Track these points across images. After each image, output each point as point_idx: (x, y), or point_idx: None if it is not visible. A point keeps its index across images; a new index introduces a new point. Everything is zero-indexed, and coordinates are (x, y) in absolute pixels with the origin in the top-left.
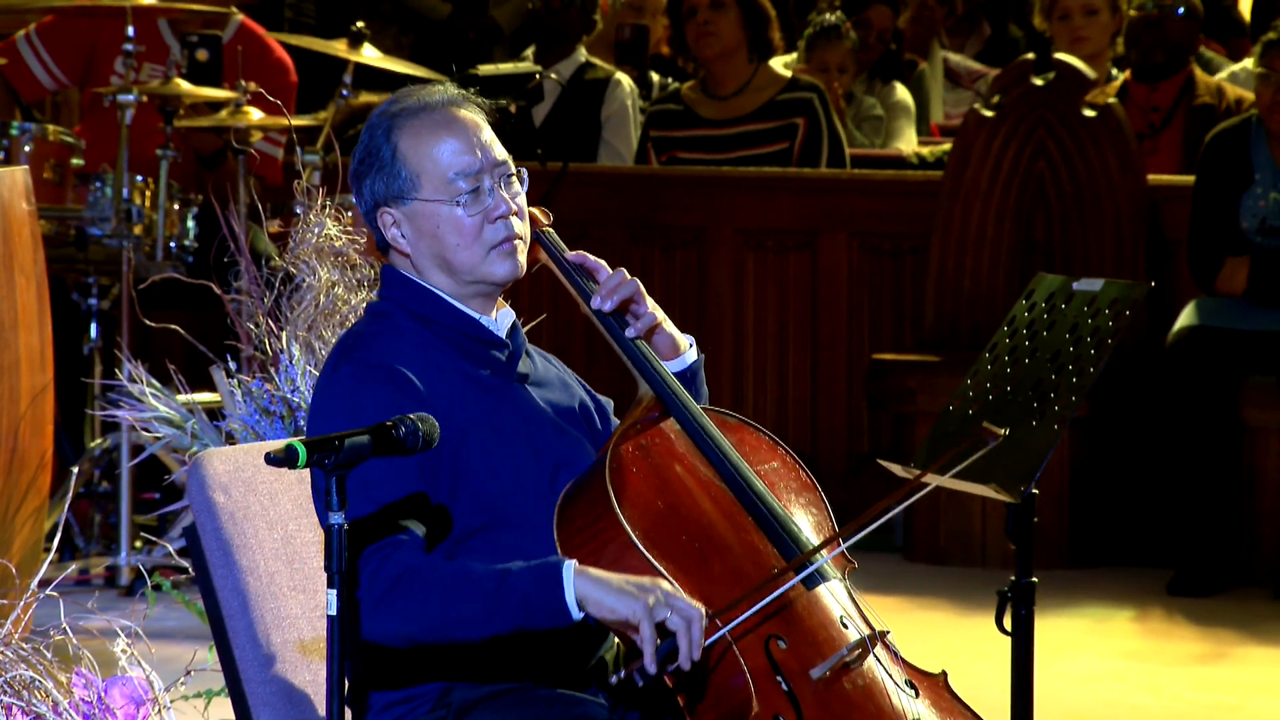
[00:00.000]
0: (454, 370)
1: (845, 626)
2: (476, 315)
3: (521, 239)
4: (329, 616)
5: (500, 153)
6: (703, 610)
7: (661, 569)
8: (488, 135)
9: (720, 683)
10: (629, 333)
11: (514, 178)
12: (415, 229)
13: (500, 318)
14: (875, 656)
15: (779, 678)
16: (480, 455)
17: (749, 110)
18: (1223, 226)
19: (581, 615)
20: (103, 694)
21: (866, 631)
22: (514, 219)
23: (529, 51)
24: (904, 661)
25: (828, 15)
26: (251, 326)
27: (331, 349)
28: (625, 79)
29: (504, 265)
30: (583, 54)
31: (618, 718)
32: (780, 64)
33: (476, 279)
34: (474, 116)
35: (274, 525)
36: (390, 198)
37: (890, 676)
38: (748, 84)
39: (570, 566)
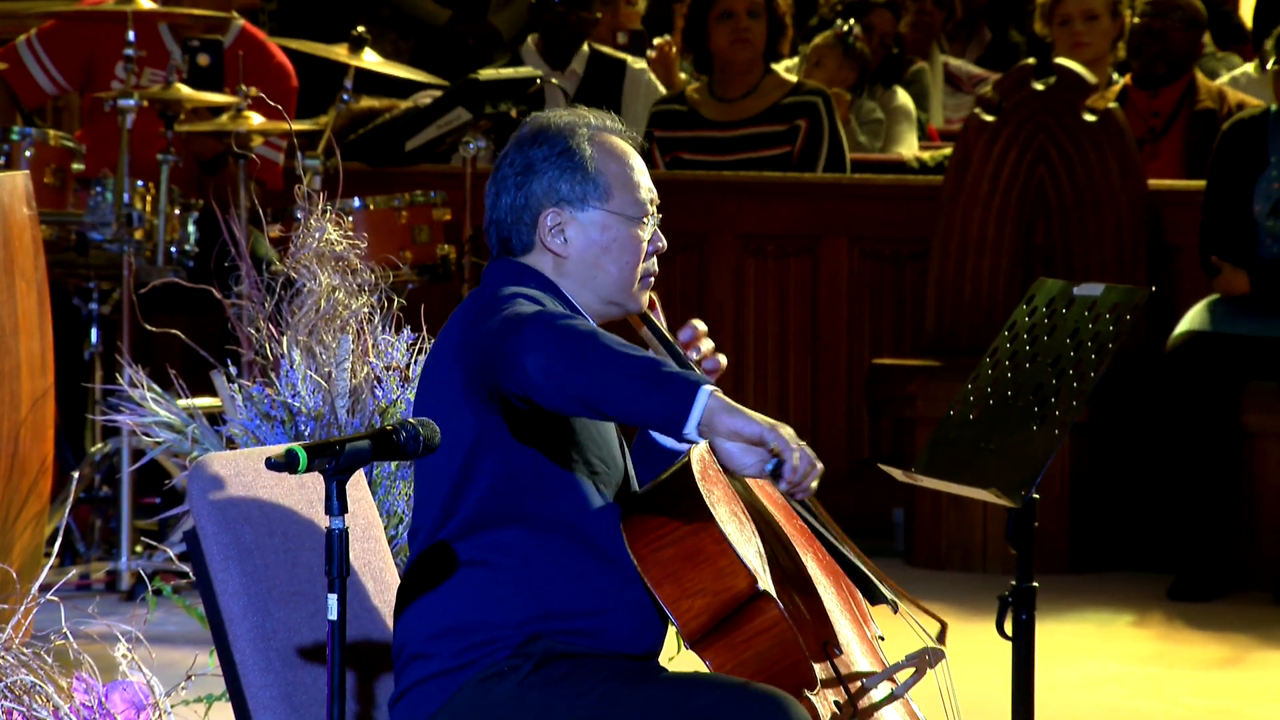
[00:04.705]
0: None
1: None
2: None
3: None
4: (329, 621)
5: None
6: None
7: (748, 564)
8: None
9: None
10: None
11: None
12: (585, 237)
13: None
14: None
15: (836, 674)
16: (588, 452)
17: (754, 113)
18: (1235, 210)
19: (693, 437)
20: (103, 699)
21: (927, 644)
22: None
23: (532, 38)
24: None
25: (839, 23)
26: (252, 331)
27: (458, 314)
28: (641, 63)
29: (641, 299)
30: (588, 47)
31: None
32: (782, 68)
33: (617, 302)
34: None
35: (274, 530)
36: (572, 200)
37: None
38: (755, 88)
39: (709, 387)
